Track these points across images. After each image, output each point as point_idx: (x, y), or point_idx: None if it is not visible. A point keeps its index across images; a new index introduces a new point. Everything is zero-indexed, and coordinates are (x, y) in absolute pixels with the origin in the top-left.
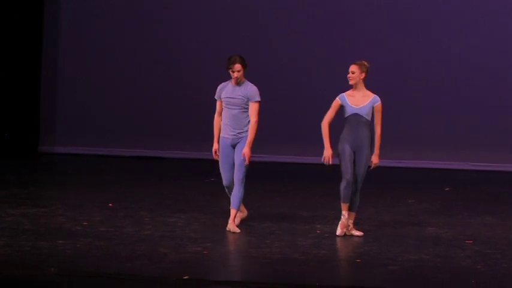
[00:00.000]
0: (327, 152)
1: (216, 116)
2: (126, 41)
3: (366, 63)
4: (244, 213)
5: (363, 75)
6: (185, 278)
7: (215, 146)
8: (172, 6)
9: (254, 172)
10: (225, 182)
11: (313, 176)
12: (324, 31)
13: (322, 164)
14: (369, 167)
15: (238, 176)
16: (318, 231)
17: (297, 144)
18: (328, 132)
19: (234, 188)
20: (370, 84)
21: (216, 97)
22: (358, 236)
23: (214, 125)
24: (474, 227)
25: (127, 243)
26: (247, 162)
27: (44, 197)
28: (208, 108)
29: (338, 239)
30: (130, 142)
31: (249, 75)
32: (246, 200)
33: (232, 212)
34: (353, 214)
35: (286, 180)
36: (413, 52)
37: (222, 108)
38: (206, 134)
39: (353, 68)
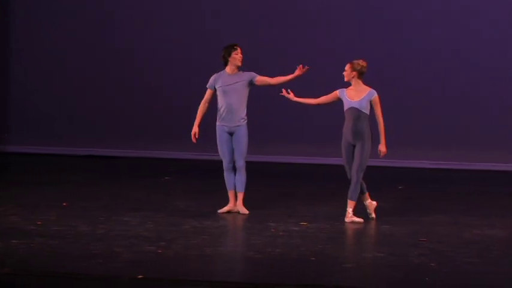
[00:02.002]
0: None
1: (202, 102)
2: (81, 39)
3: (360, 62)
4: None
5: (354, 73)
6: (140, 277)
7: (195, 129)
8: (128, 4)
9: (213, 171)
10: (225, 164)
11: (269, 175)
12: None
13: (278, 163)
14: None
15: (240, 163)
16: (273, 230)
17: (256, 142)
18: (307, 100)
19: (237, 173)
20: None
21: (208, 86)
22: (358, 222)
23: (199, 110)
24: (428, 225)
25: (81, 243)
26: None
27: None
28: (164, 107)
29: (292, 238)
30: (83, 141)
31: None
32: (204, 198)
33: (240, 195)
34: (352, 202)
35: None
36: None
37: (211, 97)
38: (161, 133)
39: (346, 66)
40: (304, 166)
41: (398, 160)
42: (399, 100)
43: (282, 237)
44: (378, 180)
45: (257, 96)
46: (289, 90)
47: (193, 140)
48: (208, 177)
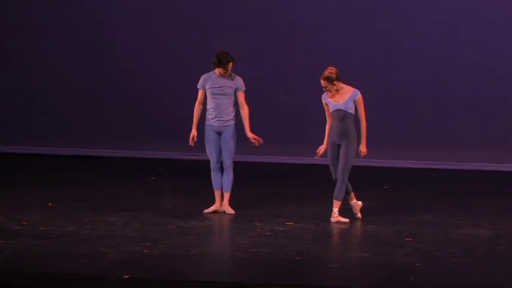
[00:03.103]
0: (321, 147)
1: (197, 104)
2: (68, 39)
3: (330, 70)
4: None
5: (335, 82)
6: (125, 277)
7: (193, 132)
8: (118, 4)
9: (200, 171)
10: (213, 164)
11: (252, 174)
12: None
13: (264, 163)
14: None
15: (227, 162)
16: (259, 230)
17: (244, 142)
18: (327, 132)
19: (225, 173)
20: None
21: (198, 86)
22: (344, 222)
23: (194, 112)
24: (414, 225)
25: (67, 243)
26: (259, 143)
27: None
28: (149, 107)
29: (278, 238)
30: (69, 141)
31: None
32: (191, 198)
33: (226, 195)
34: (338, 202)
35: None
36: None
37: (204, 97)
38: (146, 133)
39: (323, 83)
40: (292, 166)
41: (385, 160)
42: (386, 100)
43: (268, 237)
44: (364, 180)
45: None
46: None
47: (192, 143)
48: (196, 177)
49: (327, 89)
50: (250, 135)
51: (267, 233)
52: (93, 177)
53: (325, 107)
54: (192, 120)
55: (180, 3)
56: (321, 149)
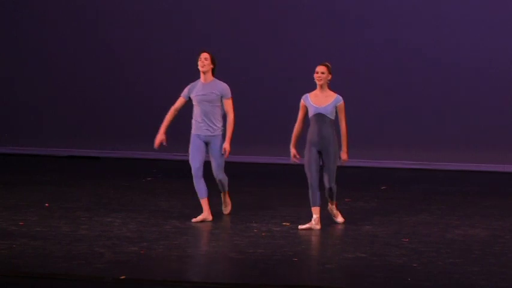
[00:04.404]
0: (291, 152)
1: (172, 109)
2: (61, 38)
3: (328, 63)
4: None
5: (330, 76)
6: (122, 277)
7: (161, 136)
8: (111, 5)
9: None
10: (194, 170)
11: (252, 175)
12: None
13: (260, 163)
14: (339, 162)
15: (219, 176)
16: (255, 231)
17: (234, 142)
18: (295, 135)
19: (220, 180)
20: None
21: (182, 95)
22: (340, 222)
23: (166, 116)
24: (410, 226)
25: (63, 243)
26: (226, 156)
27: None
28: (145, 108)
29: (275, 238)
30: (64, 141)
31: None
32: (187, 199)
33: (223, 195)
34: (334, 202)
35: None
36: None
37: (181, 106)
38: (142, 133)
39: (322, 68)
40: (288, 166)
41: (381, 160)
42: (380, 100)
43: (265, 238)
44: (361, 180)
45: (239, 96)
46: (297, 156)
47: (156, 145)
48: (192, 178)
49: (321, 76)
50: (225, 145)
51: (263, 234)
52: (89, 177)
53: (302, 108)
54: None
55: (177, 4)
56: (292, 153)
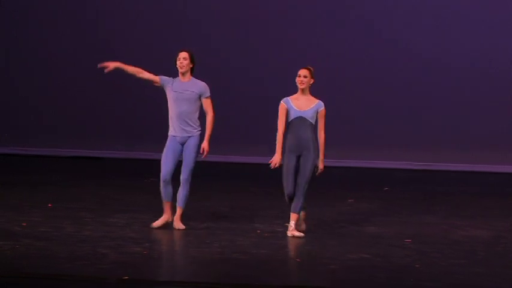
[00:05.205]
0: (277, 158)
1: (143, 70)
2: (66, 40)
3: (311, 68)
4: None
5: (312, 80)
6: (125, 278)
7: (114, 64)
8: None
9: (200, 172)
10: (163, 175)
11: (253, 175)
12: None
13: (263, 164)
14: (315, 171)
15: (185, 175)
16: (258, 231)
17: (237, 143)
18: (281, 140)
19: (181, 187)
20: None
21: (160, 76)
22: (299, 236)
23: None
24: (413, 226)
25: (67, 244)
26: (205, 156)
27: None
28: (148, 108)
29: (278, 239)
30: (67, 142)
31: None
32: (190, 199)
33: (179, 210)
34: (295, 215)
35: (225, 179)
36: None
37: (152, 77)
38: (145, 134)
39: (304, 72)
40: None
41: (384, 161)
42: (383, 101)
43: (268, 239)
44: (364, 181)
45: (242, 95)
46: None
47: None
48: (194, 179)
49: (303, 80)
50: (204, 144)
51: (266, 234)
52: (92, 178)
53: (281, 111)
54: None
55: (180, 4)
56: (277, 160)
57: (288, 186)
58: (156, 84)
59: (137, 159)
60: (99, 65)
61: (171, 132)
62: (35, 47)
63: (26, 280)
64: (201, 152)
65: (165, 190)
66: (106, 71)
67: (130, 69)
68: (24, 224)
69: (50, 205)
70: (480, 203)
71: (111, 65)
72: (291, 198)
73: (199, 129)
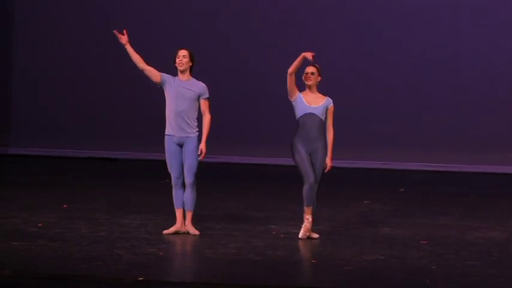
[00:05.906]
0: (305, 53)
1: (147, 65)
2: (72, 38)
3: (317, 66)
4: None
5: (319, 78)
6: (140, 279)
7: (125, 37)
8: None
9: (208, 173)
10: (173, 179)
11: (268, 176)
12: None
13: (276, 165)
14: (324, 169)
15: (190, 179)
16: (274, 232)
17: (250, 145)
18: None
19: (186, 191)
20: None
21: (161, 72)
22: (314, 238)
23: (140, 58)
24: (429, 228)
25: (82, 245)
26: (202, 157)
27: None
28: (162, 109)
29: (293, 240)
30: (82, 143)
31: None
32: (205, 200)
33: (189, 214)
34: (309, 209)
35: (240, 181)
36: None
37: (151, 72)
38: (160, 135)
39: (312, 69)
40: None
41: (400, 162)
42: (398, 103)
43: (283, 240)
44: (380, 182)
45: (252, 96)
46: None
47: (120, 34)
48: (208, 179)
49: (310, 76)
50: (202, 146)
51: (281, 235)
52: (107, 179)
53: (293, 89)
54: None
55: (186, 4)
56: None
57: (308, 173)
58: (156, 80)
59: (152, 160)
60: (114, 31)
61: (168, 131)
62: (44, 48)
63: (41, 281)
64: (199, 153)
65: (176, 195)
66: (118, 35)
67: (136, 56)
68: (39, 225)
69: (65, 206)
70: (495, 205)
71: (124, 38)
72: (312, 187)
73: (197, 129)
